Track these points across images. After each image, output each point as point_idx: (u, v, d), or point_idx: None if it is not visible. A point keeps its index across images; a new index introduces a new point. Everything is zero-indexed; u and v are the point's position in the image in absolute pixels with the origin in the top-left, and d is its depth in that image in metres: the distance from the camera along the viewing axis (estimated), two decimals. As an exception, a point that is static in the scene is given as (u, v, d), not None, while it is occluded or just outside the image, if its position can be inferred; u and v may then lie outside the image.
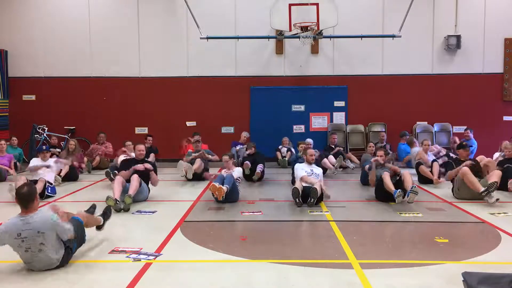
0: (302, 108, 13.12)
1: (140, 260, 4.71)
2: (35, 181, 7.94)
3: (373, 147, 10.44)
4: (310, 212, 6.89)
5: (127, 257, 4.82)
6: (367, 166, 8.43)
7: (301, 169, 7.92)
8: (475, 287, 3.68)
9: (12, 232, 4.33)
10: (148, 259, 4.74)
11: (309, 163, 8.06)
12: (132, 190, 7.15)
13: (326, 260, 4.77)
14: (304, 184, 7.41)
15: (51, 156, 9.13)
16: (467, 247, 5.31)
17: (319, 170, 8.02)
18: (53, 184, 8.33)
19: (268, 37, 12.45)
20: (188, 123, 13.05)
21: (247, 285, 4.13)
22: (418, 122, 13.05)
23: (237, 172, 8.14)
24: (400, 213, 6.74)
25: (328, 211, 6.88)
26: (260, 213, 6.85)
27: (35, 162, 8.71)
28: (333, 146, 11.67)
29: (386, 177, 7.42)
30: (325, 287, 4.08)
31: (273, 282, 4.17)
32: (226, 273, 4.40)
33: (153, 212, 6.89)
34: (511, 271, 4.20)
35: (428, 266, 4.56)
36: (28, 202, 4.36)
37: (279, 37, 12.20)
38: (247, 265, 4.67)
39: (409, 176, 7.43)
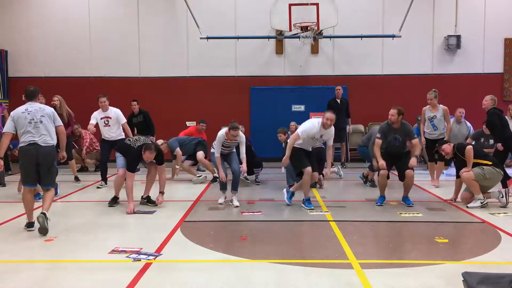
0: (302, 108, 13.11)
1: (140, 260, 4.71)
2: None
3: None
4: (310, 212, 6.89)
5: (127, 257, 4.82)
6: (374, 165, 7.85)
7: (311, 133, 7.10)
8: (475, 287, 3.69)
9: (21, 109, 5.83)
10: (148, 259, 4.74)
11: (325, 127, 7.10)
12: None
13: (326, 260, 4.77)
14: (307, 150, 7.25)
15: None
16: (467, 247, 5.31)
17: (327, 136, 7.20)
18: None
19: (268, 37, 12.46)
20: (188, 123, 13.01)
21: (247, 285, 4.13)
22: (418, 122, 13.06)
23: (242, 138, 7.55)
24: (400, 213, 6.74)
25: (328, 211, 6.88)
26: (260, 213, 6.85)
27: None
28: (338, 100, 11.68)
29: (377, 145, 7.29)
30: (325, 287, 4.08)
31: (273, 282, 4.17)
32: (226, 273, 4.40)
33: (153, 212, 6.89)
34: (511, 271, 4.21)
35: (428, 266, 4.56)
36: (33, 97, 5.97)
37: (279, 37, 12.22)
38: (247, 265, 4.66)
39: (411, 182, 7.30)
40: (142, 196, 7.38)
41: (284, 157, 7.23)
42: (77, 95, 13.13)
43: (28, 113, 5.80)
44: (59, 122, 6.09)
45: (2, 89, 13.02)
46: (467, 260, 4.73)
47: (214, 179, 9.65)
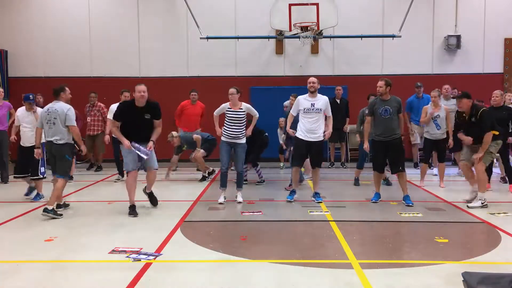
0: (302, 108, 13.09)
1: (140, 260, 4.71)
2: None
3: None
4: (310, 212, 6.89)
5: (127, 257, 4.82)
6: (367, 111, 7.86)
7: (299, 105, 7.49)
8: (475, 287, 3.69)
9: (45, 109, 6.82)
10: (148, 259, 4.74)
11: (311, 92, 7.47)
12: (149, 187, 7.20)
13: (326, 260, 4.78)
14: (306, 138, 7.37)
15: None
16: (467, 247, 5.31)
17: (320, 104, 7.44)
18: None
19: (268, 37, 12.46)
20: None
21: (247, 285, 4.13)
22: (418, 122, 13.05)
23: (245, 108, 7.65)
24: (400, 213, 6.75)
25: (328, 211, 6.88)
26: (260, 213, 6.85)
27: (21, 112, 8.07)
28: (338, 101, 11.67)
29: (367, 122, 7.57)
30: (325, 287, 4.08)
31: (273, 282, 4.17)
32: (226, 273, 4.40)
33: (148, 154, 6.66)
34: (511, 271, 4.21)
35: (428, 266, 4.56)
36: (56, 95, 6.80)
37: (279, 37, 12.20)
38: (247, 265, 4.67)
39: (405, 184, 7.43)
40: (145, 190, 7.21)
41: (287, 128, 7.81)
42: (77, 95, 13.10)
43: (48, 114, 6.71)
44: (70, 122, 6.70)
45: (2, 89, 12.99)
46: (467, 260, 4.73)
47: (203, 178, 9.72)
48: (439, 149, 8.94)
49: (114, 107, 9.33)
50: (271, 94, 12.98)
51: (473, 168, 7.36)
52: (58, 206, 7.08)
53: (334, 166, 12.01)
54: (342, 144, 12.11)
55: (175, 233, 5.74)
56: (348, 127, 11.87)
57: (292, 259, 4.76)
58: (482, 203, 7.00)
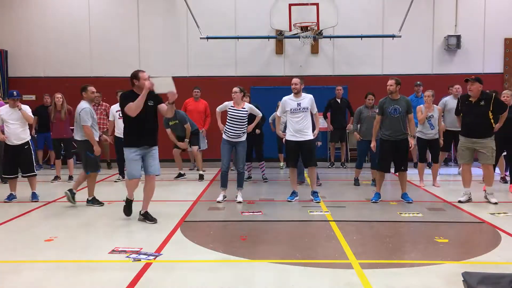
0: (302, 108, 13.09)
1: (140, 260, 4.71)
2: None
3: (372, 99, 9.28)
4: (310, 212, 6.89)
5: (127, 257, 4.82)
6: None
7: (286, 106, 7.48)
8: (475, 287, 3.69)
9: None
10: (148, 259, 4.74)
11: (295, 93, 7.44)
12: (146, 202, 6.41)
13: (326, 260, 4.78)
14: (295, 138, 7.44)
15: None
16: (467, 247, 5.31)
17: (306, 103, 7.39)
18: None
19: (268, 37, 12.47)
20: None
21: (247, 285, 4.13)
22: (418, 122, 13.04)
23: (248, 108, 7.65)
24: (400, 213, 6.74)
25: (328, 211, 6.88)
26: (260, 213, 6.85)
27: (5, 111, 7.84)
28: (338, 100, 11.75)
29: (377, 121, 7.60)
30: (325, 287, 4.08)
31: (273, 282, 4.17)
32: (226, 273, 4.40)
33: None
34: (511, 271, 4.21)
35: (428, 266, 4.56)
36: (81, 94, 7.41)
37: (279, 37, 12.22)
38: (247, 265, 4.67)
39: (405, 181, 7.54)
40: (140, 212, 6.42)
41: (277, 132, 8.04)
42: (77, 95, 13.09)
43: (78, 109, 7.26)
44: (82, 122, 7.11)
45: (2, 89, 13.00)
46: (467, 260, 4.73)
47: (201, 177, 9.75)
48: (433, 150, 8.97)
49: (114, 108, 9.49)
50: (271, 94, 12.96)
51: (472, 169, 7.43)
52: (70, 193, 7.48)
53: (334, 166, 12.01)
54: (343, 144, 12.11)
55: (175, 233, 5.74)
56: (351, 126, 11.88)
57: (292, 259, 4.76)
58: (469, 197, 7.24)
